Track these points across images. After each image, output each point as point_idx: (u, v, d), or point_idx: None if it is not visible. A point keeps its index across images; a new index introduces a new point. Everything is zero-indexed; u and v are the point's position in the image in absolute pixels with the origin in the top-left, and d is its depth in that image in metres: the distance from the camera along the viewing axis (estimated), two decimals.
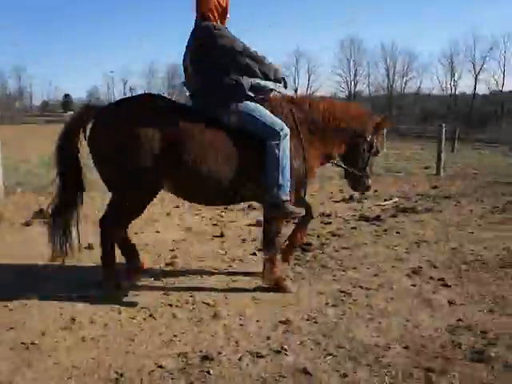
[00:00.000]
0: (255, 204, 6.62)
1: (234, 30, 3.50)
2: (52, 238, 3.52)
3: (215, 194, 3.57)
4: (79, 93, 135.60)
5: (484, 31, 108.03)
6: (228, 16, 3.63)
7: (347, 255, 4.69)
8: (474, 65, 64.26)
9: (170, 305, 3.40)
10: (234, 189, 3.52)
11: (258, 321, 3.15)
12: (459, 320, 3.25)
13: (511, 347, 2.84)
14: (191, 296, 3.55)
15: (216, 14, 3.51)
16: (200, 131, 3.36)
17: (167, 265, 4.32)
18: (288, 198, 3.49)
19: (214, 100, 3.47)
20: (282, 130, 3.45)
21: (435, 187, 9.32)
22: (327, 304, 3.45)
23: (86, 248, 4.44)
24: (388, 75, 70.58)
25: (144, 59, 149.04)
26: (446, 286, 3.90)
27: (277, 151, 3.42)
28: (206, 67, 3.45)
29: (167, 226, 5.72)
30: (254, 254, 4.68)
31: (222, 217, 6.25)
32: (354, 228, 5.77)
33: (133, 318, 3.18)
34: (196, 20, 3.55)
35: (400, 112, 68.09)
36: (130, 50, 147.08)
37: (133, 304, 3.40)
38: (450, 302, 3.55)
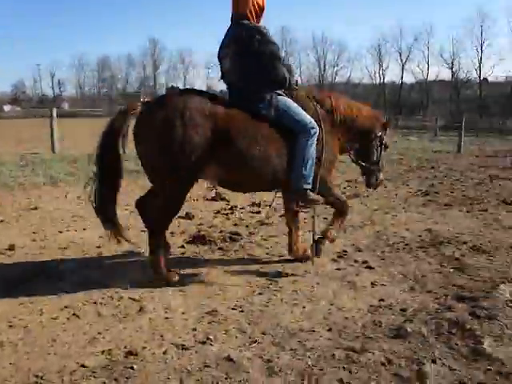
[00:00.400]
0: None
1: None
2: (105, 226, 3.75)
3: (257, 180, 3.80)
4: (3, 86, 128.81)
5: (409, 22, 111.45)
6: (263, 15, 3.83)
7: (275, 243, 4.75)
8: (400, 54, 66.52)
9: (95, 302, 3.31)
10: (273, 175, 3.74)
11: (183, 313, 3.13)
12: (381, 300, 3.38)
13: (427, 322, 2.97)
14: (116, 292, 3.47)
15: (254, 14, 3.71)
16: (245, 121, 3.58)
17: (93, 262, 4.22)
18: (310, 187, 3.79)
19: (254, 93, 3.69)
20: (312, 128, 3.74)
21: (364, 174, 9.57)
22: (254, 292, 3.48)
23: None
24: (319, 65, 71.86)
25: (73, 51, 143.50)
26: (370, 268, 4.05)
27: (305, 146, 3.70)
28: (248, 63, 3.64)
29: (95, 222, 5.54)
30: (183, 246, 4.64)
31: None
32: (282, 216, 5.83)
33: (55, 319, 3.07)
34: (234, 18, 3.74)
35: None
36: (58, 41, 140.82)
37: (55, 304, 3.30)
38: (373, 284, 3.68)
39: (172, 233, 5.07)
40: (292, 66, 3.94)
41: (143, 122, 3.50)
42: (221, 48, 3.84)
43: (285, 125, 3.71)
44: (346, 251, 4.48)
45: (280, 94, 3.78)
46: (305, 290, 3.55)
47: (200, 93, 3.67)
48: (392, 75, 78.04)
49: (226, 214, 5.99)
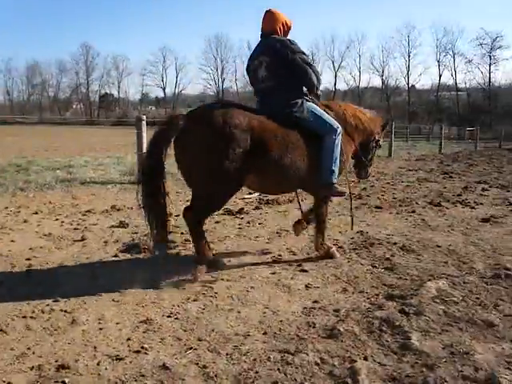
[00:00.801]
0: (119, 205, 6.48)
1: None
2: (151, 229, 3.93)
3: (290, 183, 4.31)
4: None
5: (341, 30, 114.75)
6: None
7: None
8: (333, 62, 68.18)
9: (24, 316, 3.19)
10: (302, 175, 4.17)
11: (117, 323, 3.07)
12: (315, 302, 3.45)
13: (359, 321, 3.08)
14: (47, 305, 3.36)
15: (282, 32, 4.27)
16: (278, 129, 3.93)
17: (22, 275, 4.06)
18: (337, 181, 4.32)
19: (288, 98, 4.09)
20: (338, 127, 4.23)
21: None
22: (189, 299, 3.47)
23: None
24: None
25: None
26: (304, 271, 4.12)
27: (333, 145, 4.17)
28: (283, 71, 4.08)
29: (24, 234, 5.35)
30: (116, 255, 4.56)
31: (83, 220, 5.98)
32: (218, 222, 5.87)
33: None
34: (265, 33, 4.27)
35: None
36: None
37: None
38: (307, 286, 3.76)
39: (106, 242, 4.97)
40: (319, 73, 4.39)
41: (189, 134, 3.72)
42: (252, 60, 4.30)
43: (312, 127, 4.16)
44: (280, 255, 4.55)
45: (308, 100, 4.22)
46: (240, 294, 3.57)
47: (237, 106, 3.97)
48: (325, 82, 79.82)
49: None
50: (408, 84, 64.87)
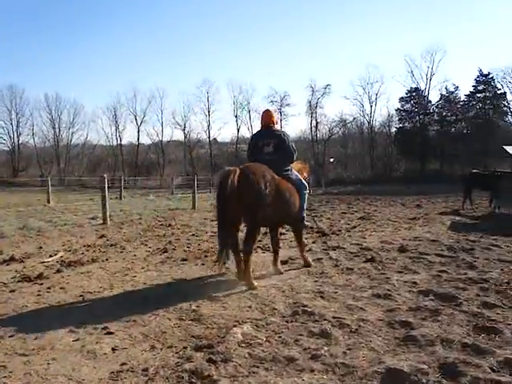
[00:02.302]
0: None
1: None
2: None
3: (285, 217, 6.30)
4: None
5: (143, 86, 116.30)
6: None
7: (3, 323, 4.26)
8: (136, 117, 68.24)
9: None
10: (290, 213, 6.20)
11: None
12: (123, 364, 3.33)
13: (168, 377, 3.06)
14: None
15: (274, 123, 6.50)
16: (282, 182, 5.89)
17: None
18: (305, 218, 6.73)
19: (284, 165, 6.22)
20: (306, 186, 6.57)
21: (102, 236, 9.46)
22: None
23: None
24: (54, 126, 68.80)
25: None
26: (110, 333, 3.95)
27: (305, 195, 6.47)
28: (283, 150, 6.22)
29: None
30: None
31: None
32: (13, 291, 5.33)
33: None
34: (268, 125, 6.43)
35: (69, 163, 67.37)
36: None
37: None
38: (114, 349, 3.61)
39: None
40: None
41: (244, 183, 5.32)
42: (259, 139, 6.37)
43: (296, 184, 6.25)
44: (84, 319, 4.30)
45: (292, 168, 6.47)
46: (40, 369, 3.27)
47: (262, 165, 5.71)
48: (129, 137, 79.46)
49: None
50: (209, 138, 67.77)
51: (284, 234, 10.08)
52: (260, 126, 6.55)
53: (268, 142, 6.19)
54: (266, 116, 6.44)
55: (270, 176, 5.53)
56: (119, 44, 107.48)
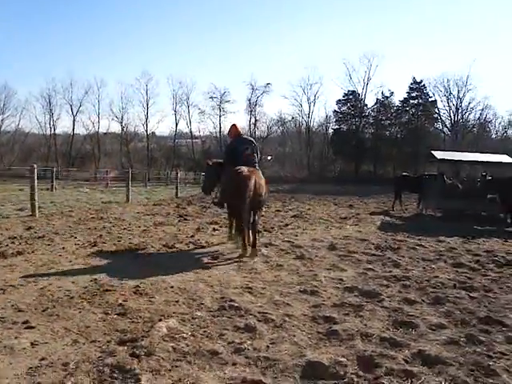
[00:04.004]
0: None
1: None
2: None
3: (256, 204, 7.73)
4: None
5: (80, 75, 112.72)
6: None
7: None
8: (71, 106, 66.18)
9: None
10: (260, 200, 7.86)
11: None
12: (42, 359, 3.25)
13: (89, 372, 3.04)
14: None
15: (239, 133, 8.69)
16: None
17: None
18: None
19: (254, 163, 8.22)
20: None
21: (29, 228, 9.14)
22: None
23: None
24: None
25: None
26: (31, 327, 3.84)
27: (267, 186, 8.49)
28: (255, 153, 8.31)
29: None
30: None
31: None
32: None
33: None
34: (239, 135, 8.64)
35: None
36: None
37: None
38: (33, 344, 3.51)
39: None
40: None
41: (260, 180, 7.71)
42: (238, 144, 8.21)
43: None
44: (3, 314, 4.14)
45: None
46: None
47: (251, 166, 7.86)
48: (64, 126, 76.81)
49: None
50: (147, 131, 66.74)
51: (217, 229, 10.14)
52: (231, 135, 8.64)
53: (246, 147, 8.17)
54: (236, 129, 8.63)
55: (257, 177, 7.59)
56: (57, 28, 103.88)
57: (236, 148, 8.16)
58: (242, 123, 58.59)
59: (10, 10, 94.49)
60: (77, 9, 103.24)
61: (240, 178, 7.16)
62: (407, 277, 5.94)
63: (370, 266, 6.59)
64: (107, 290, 4.92)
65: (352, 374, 3.13)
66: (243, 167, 7.44)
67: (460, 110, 59.09)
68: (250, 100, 64.07)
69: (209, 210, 13.91)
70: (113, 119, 67.49)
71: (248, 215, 7.35)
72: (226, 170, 7.96)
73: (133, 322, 4.04)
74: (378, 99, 60.10)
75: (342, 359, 3.33)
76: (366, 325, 4.11)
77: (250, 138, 8.67)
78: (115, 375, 3.00)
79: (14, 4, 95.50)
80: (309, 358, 3.33)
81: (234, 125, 8.72)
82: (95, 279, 5.36)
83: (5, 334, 3.69)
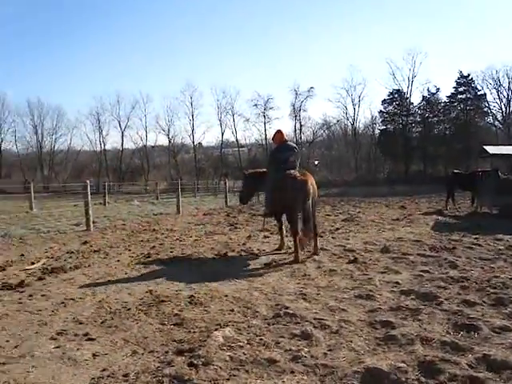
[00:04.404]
0: None
1: None
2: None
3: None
4: None
5: (126, 91, 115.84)
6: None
7: None
8: (119, 122, 67.91)
9: None
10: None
11: None
12: (103, 370, 3.32)
13: (148, 382, 3.06)
14: None
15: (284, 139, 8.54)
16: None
17: None
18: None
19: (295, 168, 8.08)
20: None
21: (85, 243, 9.40)
22: None
23: None
24: (36, 132, 68.25)
25: None
26: (91, 339, 3.94)
27: None
28: (297, 157, 8.34)
29: None
30: None
31: None
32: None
33: None
34: (284, 142, 8.43)
35: (52, 169, 66.95)
36: None
37: None
38: (95, 355, 3.60)
39: None
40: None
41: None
42: (285, 151, 8.14)
43: None
44: (66, 326, 4.27)
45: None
46: (19, 378, 3.23)
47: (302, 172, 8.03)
48: (113, 142, 78.89)
49: None
50: (193, 142, 67.66)
51: (268, 237, 10.14)
52: (276, 141, 8.57)
53: (290, 154, 8.17)
54: (281, 135, 8.56)
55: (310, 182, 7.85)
56: (101, 49, 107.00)
57: (281, 154, 8.14)
58: (287, 129, 58.49)
59: (56, 35, 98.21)
60: (119, 29, 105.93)
61: (296, 182, 7.48)
62: (465, 278, 5.73)
63: (425, 268, 6.41)
64: (163, 301, 4.98)
65: (414, 380, 3.04)
66: (295, 172, 7.74)
67: None
68: (294, 105, 63.68)
69: (259, 218, 13.93)
70: (160, 132, 68.65)
71: (297, 219, 7.52)
72: (271, 176, 7.99)
73: (189, 331, 4.07)
74: (423, 96, 58.59)
75: (402, 365, 3.24)
76: (425, 329, 3.99)
77: (293, 145, 8.59)
78: None
79: (59, 28, 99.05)
80: (368, 365, 3.25)
81: (279, 131, 8.66)
82: (150, 290, 5.44)
83: (67, 346, 3.80)
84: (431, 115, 58.46)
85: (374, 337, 3.88)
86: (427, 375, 3.10)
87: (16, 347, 3.81)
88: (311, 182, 7.72)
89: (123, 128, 67.81)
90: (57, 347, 3.79)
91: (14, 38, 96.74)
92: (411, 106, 59.60)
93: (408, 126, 58.93)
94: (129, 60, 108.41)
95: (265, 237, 10.19)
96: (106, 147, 69.22)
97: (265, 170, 9.06)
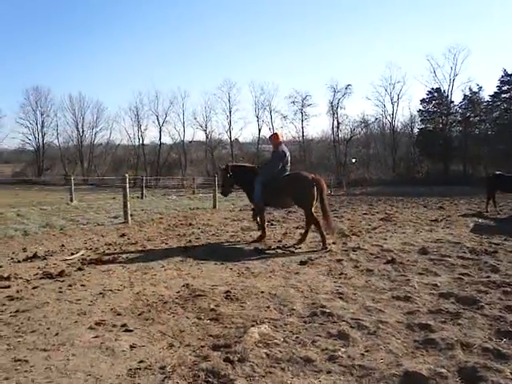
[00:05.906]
0: None
1: None
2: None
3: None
4: None
5: (164, 86, 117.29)
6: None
7: (26, 318, 4.35)
8: (158, 117, 68.83)
9: None
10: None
11: None
12: (140, 362, 3.35)
13: (185, 376, 3.08)
14: None
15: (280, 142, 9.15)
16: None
17: None
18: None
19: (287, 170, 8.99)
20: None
21: (123, 235, 9.55)
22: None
23: None
24: (77, 126, 69.90)
25: None
26: (129, 331, 3.99)
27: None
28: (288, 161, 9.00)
29: None
30: None
31: None
32: (36, 287, 5.42)
33: None
34: (278, 145, 8.98)
35: (92, 163, 68.48)
36: None
37: None
38: (132, 346, 3.64)
39: None
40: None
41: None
42: (287, 154, 8.87)
43: None
44: (104, 317, 4.34)
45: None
46: (59, 365, 3.30)
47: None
48: (151, 136, 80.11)
49: None
50: (230, 138, 67.93)
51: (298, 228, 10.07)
52: (277, 143, 8.98)
53: (288, 155, 8.95)
54: (279, 136, 9.11)
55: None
56: (141, 45, 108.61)
57: (287, 158, 8.90)
58: (325, 126, 58.00)
59: (96, 29, 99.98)
60: (158, 26, 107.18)
61: (310, 181, 8.48)
62: (508, 283, 5.55)
63: (465, 271, 6.24)
64: (199, 295, 5.00)
65: None
66: (305, 172, 8.91)
67: None
68: (331, 102, 63.26)
69: (295, 215, 13.87)
70: (197, 128, 69.50)
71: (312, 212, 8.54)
72: (275, 173, 8.79)
73: (225, 327, 4.07)
74: (465, 95, 57.11)
75: (443, 370, 3.15)
76: (465, 334, 3.88)
77: (285, 147, 9.11)
78: (210, 380, 3.03)
79: (101, 24, 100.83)
80: (406, 368, 3.18)
81: (276, 134, 9.22)
82: (187, 284, 5.47)
83: (106, 335, 3.86)
84: (473, 115, 56.94)
85: (412, 340, 3.79)
86: (468, 382, 3.01)
87: (56, 335, 3.90)
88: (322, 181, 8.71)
89: (161, 123, 68.77)
90: (95, 337, 3.85)
91: (58, 35, 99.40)
92: (452, 105, 58.25)
93: (448, 126, 57.60)
94: (168, 56, 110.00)
95: (300, 234, 10.10)
96: (144, 142, 70.36)
97: (244, 164, 10.28)
